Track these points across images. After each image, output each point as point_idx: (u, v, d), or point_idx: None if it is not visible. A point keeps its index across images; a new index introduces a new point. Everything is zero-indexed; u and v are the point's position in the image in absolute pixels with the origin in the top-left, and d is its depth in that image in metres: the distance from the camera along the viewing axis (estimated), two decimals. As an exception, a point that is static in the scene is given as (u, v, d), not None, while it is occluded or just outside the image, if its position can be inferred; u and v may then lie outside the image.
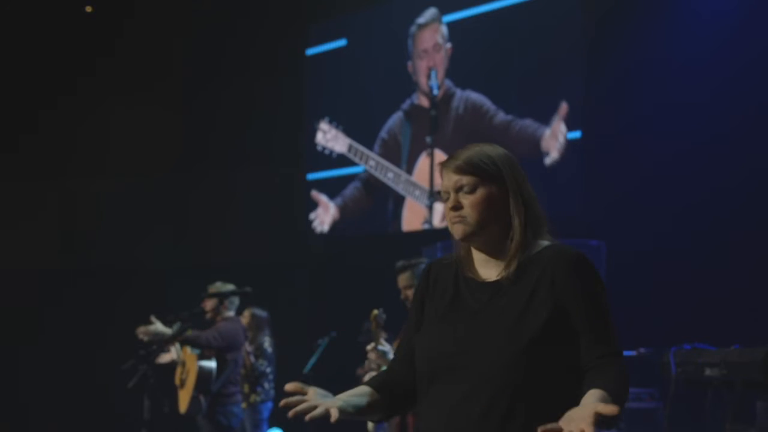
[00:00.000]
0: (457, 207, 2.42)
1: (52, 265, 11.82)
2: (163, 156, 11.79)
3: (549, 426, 2.09)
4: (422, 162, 9.90)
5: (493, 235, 2.41)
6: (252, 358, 8.13)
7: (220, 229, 11.58)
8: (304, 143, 11.24)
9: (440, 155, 9.71)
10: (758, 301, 7.12)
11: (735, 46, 7.80)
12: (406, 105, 10.23)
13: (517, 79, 9.32)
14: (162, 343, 6.61)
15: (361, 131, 10.62)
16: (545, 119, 8.86)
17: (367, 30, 10.82)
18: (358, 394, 2.44)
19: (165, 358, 7.04)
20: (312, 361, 8.42)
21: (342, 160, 10.74)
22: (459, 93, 9.70)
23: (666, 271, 7.74)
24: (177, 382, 7.20)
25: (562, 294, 2.33)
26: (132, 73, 11.70)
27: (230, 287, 7.24)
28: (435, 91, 9.82)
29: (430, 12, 10.07)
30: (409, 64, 10.22)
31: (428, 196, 9.71)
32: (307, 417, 2.24)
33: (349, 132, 10.71)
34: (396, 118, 10.31)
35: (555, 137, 8.61)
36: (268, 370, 8.25)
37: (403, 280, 5.42)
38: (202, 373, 6.92)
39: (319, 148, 10.90)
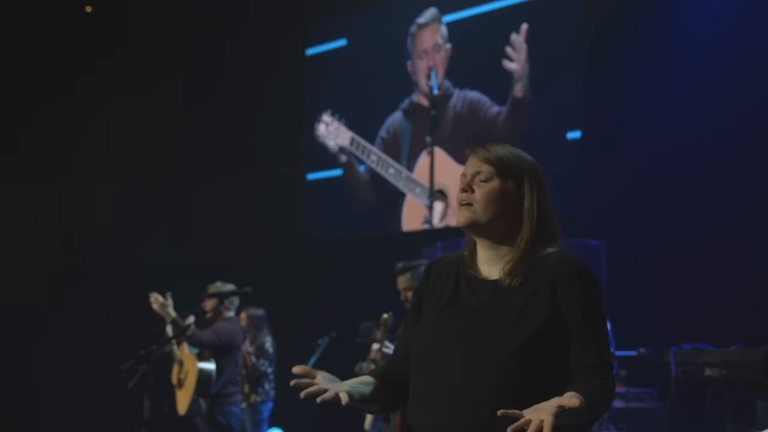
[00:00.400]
0: (467, 189, 2.43)
1: (52, 265, 11.82)
2: (163, 156, 11.79)
3: (510, 412, 2.10)
4: (422, 161, 9.90)
5: (497, 231, 2.41)
6: (253, 358, 8.13)
7: (220, 229, 11.58)
8: (304, 143, 11.24)
9: (440, 154, 9.71)
10: (758, 301, 7.11)
11: (735, 46, 7.80)
12: (405, 104, 10.23)
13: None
14: (162, 343, 6.61)
15: (361, 131, 10.62)
16: (546, 120, 8.87)
17: (367, 30, 10.82)
18: (363, 383, 2.45)
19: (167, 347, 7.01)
20: (312, 361, 8.43)
21: (342, 160, 10.74)
22: (457, 93, 9.71)
23: (666, 271, 7.74)
24: (174, 381, 7.20)
25: (561, 300, 2.33)
26: (132, 74, 11.70)
27: (230, 287, 7.24)
28: (435, 91, 9.82)
29: (430, 12, 10.07)
30: (409, 63, 10.23)
31: (428, 196, 9.71)
32: (319, 399, 2.28)
33: (350, 129, 10.71)
34: (395, 117, 10.32)
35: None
36: (269, 370, 8.25)
37: (402, 281, 5.42)
38: (202, 376, 6.92)
39: (321, 140, 10.89)
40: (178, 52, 11.58)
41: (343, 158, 10.72)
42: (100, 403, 10.83)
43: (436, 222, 9.62)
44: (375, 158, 10.38)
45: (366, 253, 9.85)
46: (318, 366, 8.41)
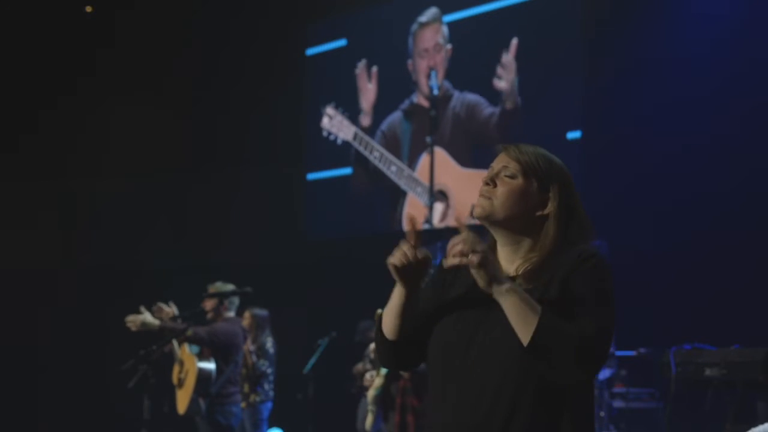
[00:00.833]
0: (489, 183, 2.41)
1: (52, 265, 11.82)
2: (164, 156, 11.79)
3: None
4: (423, 161, 9.91)
5: (514, 230, 2.39)
6: (254, 358, 8.13)
7: (220, 229, 11.58)
8: (304, 143, 11.24)
9: (441, 155, 9.71)
10: (758, 301, 7.12)
11: (734, 46, 7.80)
12: (405, 104, 10.23)
13: (517, 79, 9.32)
14: (162, 343, 6.60)
15: (361, 130, 10.62)
16: (546, 120, 8.87)
17: (367, 30, 10.82)
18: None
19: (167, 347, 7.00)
20: (312, 361, 8.43)
21: (342, 160, 10.73)
22: (457, 95, 9.71)
23: (666, 270, 7.74)
24: (175, 381, 7.19)
25: (566, 288, 2.28)
26: (132, 74, 11.70)
27: (230, 287, 7.24)
28: (435, 91, 9.82)
29: (432, 11, 10.07)
30: (409, 62, 10.22)
31: (428, 196, 9.71)
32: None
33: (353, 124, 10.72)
34: (395, 116, 10.32)
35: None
36: (269, 370, 8.25)
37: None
38: (202, 375, 6.91)
39: (324, 133, 10.89)
40: (178, 52, 11.58)
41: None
42: (100, 403, 10.83)
43: (436, 222, 9.62)
44: (377, 154, 10.38)
45: (366, 253, 9.83)
46: (318, 366, 8.43)
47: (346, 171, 10.76)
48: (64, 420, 11.17)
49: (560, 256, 2.34)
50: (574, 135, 8.58)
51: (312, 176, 11.10)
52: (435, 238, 9.11)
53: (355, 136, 10.61)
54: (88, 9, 11.99)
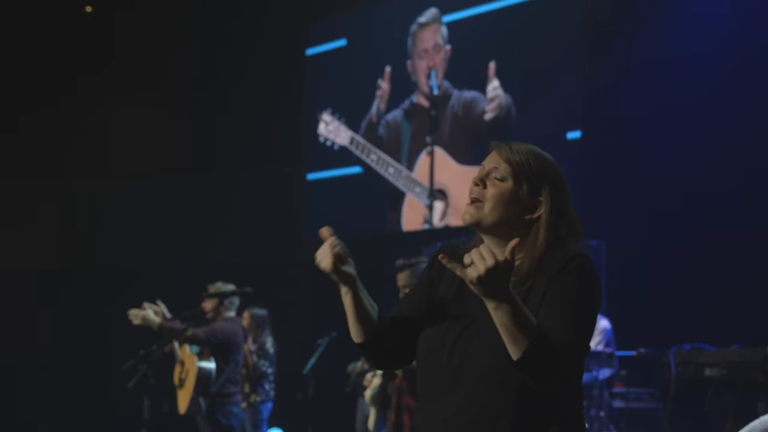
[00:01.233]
0: (479, 184, 2.37)
1: (52, 265, 11.82)
2: (164, 156, 11.80)
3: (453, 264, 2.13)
4: (422, 161, 9.91)
5: (502, 233, 2.35)
6: (254, 358, 8.13)
7: (220, 229, 11.58)
8: (304, 143, 11.24)
9: (440, 154, 9.72)
10: (758, 301, 7.12)
11: (734, 46, 7.81)
12: (405, 104, 10.24)
13: (517, 79, 9.33)
14: (162, 343, 6.60)
15: (360, 131, 10.62)
16: (546, 120, 8.87)
17: (367, 30, 10.82)
18: (371, 303, 2.41)
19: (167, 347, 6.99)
20: (312, 361, 8.42)
21: (342, 160, 10.74)
22: (456, 93, 9.72)
23: (666, 270, 7.75)
24: (176, 381, 7.19)
25: (551, 289, 2.26)
26: (132, 74, 11.71)
27: (230, 287, 7.23)
28: (435, 91, 9.83)
29: (431, 12, 10.08)
30: (409, 63, 10.23)
31: (428, 195, 9.71)
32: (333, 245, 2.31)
33: (350, 129, 10.72)
34: (397, 114, 10.32)
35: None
36: (270, 370, 8.25)
37: (402, 278, 5.42)
38: (202, 375, 6.91)
39: (321, 139, 10.89)
40: (179, 52, 11.58)
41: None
42: (100, 403, 10.83)
43: (436, 222, 9.62)
44: (375, 157, 10.39)
45: (366, 253, 9.83)
46: (318, 366, 8.43)
47: (346, 171, 10.76)
48: (64, 420, 11.17)
49: (547, 257, 2.32)
50: (574, 135, 8.58)
51: (312, 176, 11.10)
52: (435, 238, 9.12)
53: (352, 141, 10.61)
54: (88, 9, 11.99)
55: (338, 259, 2.31)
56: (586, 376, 7.08)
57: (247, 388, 8.06)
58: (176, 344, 7.06)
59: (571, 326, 2.20)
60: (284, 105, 11.24)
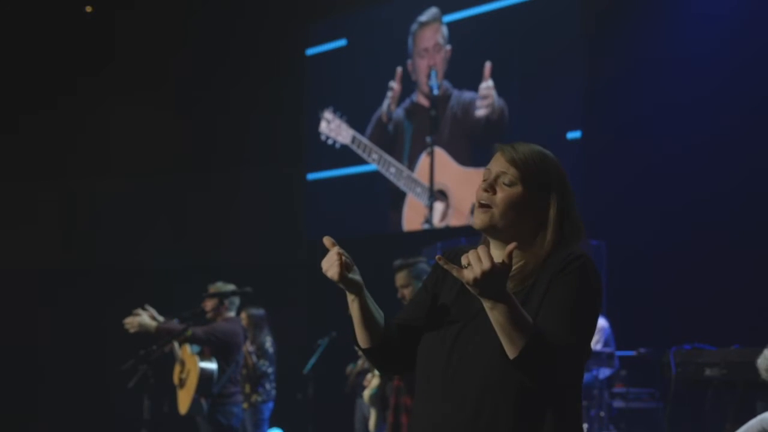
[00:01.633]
0: (488, 190, 2.36)
1: (52, 265, 11.82)
2: (164, 156, 11.80)
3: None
4: (423, 161, 9.91)
5: (513, 236, 2.34)
6: (254, 358, 8.13)
7: (220, 229, 11.58)
8: (304, 143, 11.24)
9: (441, 154, 9.72)
10: (758, 301, 7.12)
11: (734, 47, 7.81)
12: (406, 103, 10.24)
13: (517, 79, 9.33)
14: (162, 342, 6.60)
15: (361, 131, 10.62)
16: (546, 120, 8.87)
17: (367, 30, 10.82)
18: (378, 310, 2.43)
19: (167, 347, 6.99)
20: (312, 361, 8.42)
21: (341, 160, 10.73)
22: (456, 93, 9.72)
23: (666, 270, 7.75)
24: (176, 381, 7.19)
25: (552, 288, 2.27)
26: (132, 74, 11.71)
27: (230, 287, 7.23)
28: (435, 91, 9.83)
29: (432, 11, 10.08)
30: (409, 62, 10.23)
31: (428, 196, 9.71)
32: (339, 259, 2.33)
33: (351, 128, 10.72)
34: (398, 113, 10.31)
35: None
36: (270, 370, 8.25)
37: (400, 278, 5.42)
38: (204, 375, 6.90)
39: (322, 138, 10.89)
40: (179, 52, 11.58)
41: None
42: (100, 403, 10.83)
43: (437, 222, 9.62)
44: (376, 157, 10.38)
45: (366, 253, 9.83)
46: (318, 366, 8.43)
47: (346, 171, 10.76)
48: (64, 420, 11.17)
49: (551, 257, 2.34)
50: (574, 135, 8.58)
51: (312, 176, 11.10)
52: (435, 238, 9.12)
53: (354, 140, 10.61)
54: (88, 9, 11.99)
55: (345, 268, 2.34)
56: (586, 376, 7.08)
57: (247, 389, 8.06)
58: (176, 344, 7.06)
59: (570, 326, 2.21)
60: (284, 105, 11.24)
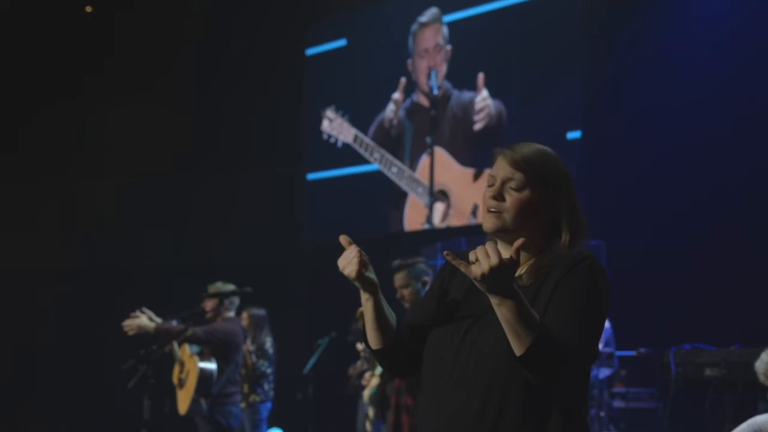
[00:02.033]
0: (498, 198, 2.37)
1: (52, 265, 11.82)
2: (164, 156, 11.79)
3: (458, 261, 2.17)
4: (424, 161, 9.91)
5: (523, 237, 2.31)
6: (254, 358, 8.13)
7: (220, 229, 11.58)
8: (304, 143, 11.24)
9: (441, 154, 9.72)
10: (758, 301, 7.12)
11: (734, 47, 7.81)
12: (407, 104, 10.24)
13: (517, 79, 9.33)
14: (162, 343, 6.60)
15: (362, 131, 10.62)
16: (546, 120, 8.87)
17: (367, 30, 10.82)
18: (390, 311, 2.43)
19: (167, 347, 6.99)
20: (312, 361, 8.43)
21: (342, 160, 10.73)
22: (456, 94, 9.72)
23: (666, 270, 7.74)
24: (175, 381, 7.19)
25: (559, 288, 2.28)
26: (132, 74, 11.70)
27: (230, 287, 7.23)
28: (435, 91, 9.83)
29: (432, 11, 10.08)
30: (409, 62, 10.23)
31: (429, 196, 9.71)
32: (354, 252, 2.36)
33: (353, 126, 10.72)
34: (400, 113, 10.31)
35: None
36: (269, 371, 8.25)
37: (399, 279, 5.41)
38: (203, 376, 6.91)
39: (324, 136, 10.89)
40: (179, 52, 11.58)
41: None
42: (101, 403, 10.83)
43: (437, 222, 9.62)
44: (378, 156, 10.38)
45: (366, 253, 9.84)
46: (317, 366, 8.43)
47: (346, 171, 10.75)
48: (64, 420, 11.17)
49: (557, 257, 2.35)
50: (574, 135, 8.58)
51: (312, 176, 11.10)
52: (435, 238, 9.12)
53: (356, 139, 10.60)
54: (88, 9, 11.99)
55: (363, 266, 2.35)
56: (586, 376, 7.06)
57: (246, 389, 8.06)
58: (175, 344, 7.06)
59: (576, 326, 2.22)
60: (284, 105, 11.24)
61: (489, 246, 2.13)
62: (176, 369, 7.19)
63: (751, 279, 7.29)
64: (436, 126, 9.79)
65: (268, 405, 8.28)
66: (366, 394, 6.44)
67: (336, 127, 10.80)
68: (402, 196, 10.10)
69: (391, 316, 2.43)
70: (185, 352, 7.09)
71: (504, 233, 2.38)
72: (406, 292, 5.36)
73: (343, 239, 2.42)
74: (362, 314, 2.44)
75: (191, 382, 6.97)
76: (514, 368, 2.21)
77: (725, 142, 7.64)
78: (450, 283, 2.48)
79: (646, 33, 8.29)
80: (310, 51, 11.25)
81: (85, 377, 11.10)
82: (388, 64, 10.46)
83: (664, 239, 7.79)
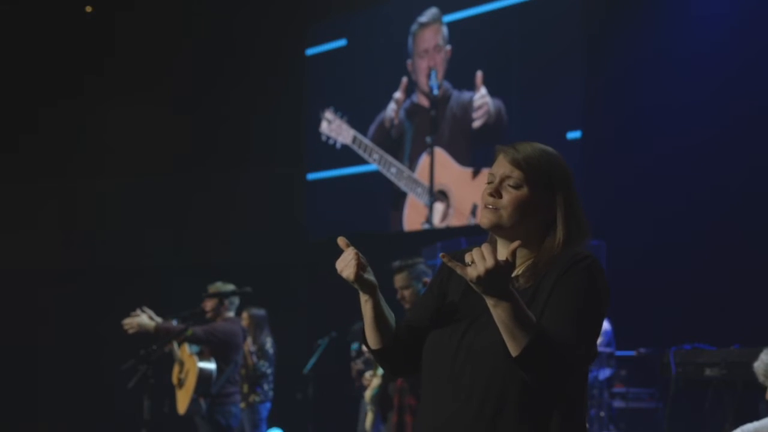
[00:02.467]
0: (495, 194, 2.37)
1: (52, 265, 11.82)
2: (164, 156, 11.79)
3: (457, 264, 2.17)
4: (423, 161, 9.91)
5: (518, 236, 2.35)
6: (254, 359, 8.13)
7: (220, 229, 11.58)
8: (304, 143, 11.24)
9: (441, 154, 9.72)
10: (758, 301, 7.12)
11: (734, 47, 7.81)
12: (406, 104, 10.24)
13: (517, 79, 9.33)
14: (162, 343, 6.60)
15: (362, 131, 10.62)
16: (546, 120, 8.87)
17: (367, 30, 10.82)
18: (389, 311, 2.43)
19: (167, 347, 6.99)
20: (312, 361, 8.43)
21: (342, 160, 10.73)
22: (456, 94, 9.72)
23: (666, 270, 7.75)
24: (175, 381, 7.19)
25: (558, 289, 2.28)
26: (132, 74, 11.70)
27: (230, 287, 7.23)
28: (435, 91, 9.83)
29: (432, 12, 10.08)
30: (409, 62, 10.23)
31: (428, 196, 9.71)
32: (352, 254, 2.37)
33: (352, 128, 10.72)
34: (400, 114, 10.31)
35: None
36: (269, 371, 8.25)
37: (399, 280, 5.41)
38: (203, 375, 6.91)
39: (323, 138, 10.89)
40: (179, 52, 11.58)
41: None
42: (100, 403, 10.83)
43: (437, 222, 9.62)
44: (377, 157, 10.38)
45: (366, 253, 9.83)
46: (318, 366, 8.43)
47: (346, 171, 10.75)
48: (64, 420, 11.17)
49: (558, 256, 2.35)
50: (574, 135, 8.58)
51: (312, 176, 11.10)
52: (435, 238, 9.12)
53: (354, 140, 10.60)
54: (88, 9, 11.99)
55: (361, 268, 2.36)
56: (586, 376, 7.06)
57: (246, 389, 8.06)
58: (175, 344, 7.06)
59: (574, 327, 2.22)
60: (284, 105, 11.24)
61: (485, 248, 2.13)
62: (176, 369, 7.19)
63: (751, 279, 7.29)
64: (436, 126, 9.79)
65: (268, 405, 8.28)
66: (368, 394, 6.43)
67: (335, 128, 10.80)
68: (401, 196, 10.10)
69: (391, 316, 2.43)
70: (185, 351, 7.09)
71: (500, 230, 2.38)
72: (406, 292, 5.36)
73: (341, 241, 2.42)
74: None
75: (190, 382, 6.97)
76: (511, 368, 2.21)
77: (725, 142, 7.64)
78: (449, 283, 2.48)
79: (646, 33, 8.29)
80: (310, 51, 11.25)
81: (85, 377, 11.10)
82: (388, 65, 10.46)
83: (664, 239, 7.79)
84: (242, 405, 7.83)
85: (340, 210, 10.69)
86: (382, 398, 5.91)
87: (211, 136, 11.70)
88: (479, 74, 9.40)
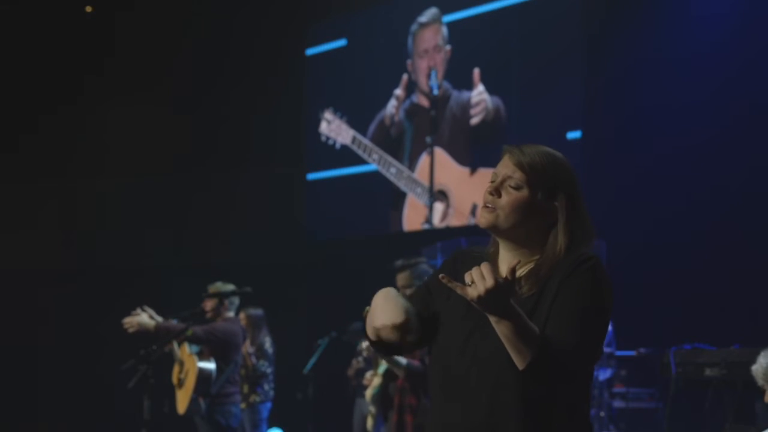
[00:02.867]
0: (494, 193, 2.37)
1: (52, 265, 11.82)
2: (164, 156, 11.79)
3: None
4: (423, 161, 9.91)
5: (519, 237, 2.37)
6: (253, 359, 8.13)
7: (220, 229, 11.58)
8: (304, 143, 11.24)
9: (441, 154, 9.72)
10: (758, 301, 7.12)
11: (734, 47, 7.81)
12: (406, 104, 10.24)
13: (517, 78, 9.33)
14: (162, 342, 6.60)
15: (362, 131, 10.62)
16: (546, 120, 8.87)
17: (367, 30, 10.82)
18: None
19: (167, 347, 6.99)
20: (312, 361, 8.43)
21: (341, 160, 10.73)
22: (456, 94, 9.72)
23: (666, 270, 7.74)
24: (174, 381, 7.20)
25: (562, 292, 2.28)
26: (132, 74, 11.70)
27: (230, 287, 7.23)
28: (435, 91, 9.83)
29: (432, 12, 10.08)
30: (409, 62, 10.23)
31: (428, 196, 9.71)
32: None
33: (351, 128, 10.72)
34: (400, 114, 10.31)
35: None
36: (269, 371, 8.25)
37: (401, 279, 5.42)
38: (202, 375, 6.91)
39: (323, 138, 10.89)
40: (179, 52, 11.58)
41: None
42: (100, 403, 10.83)
43: (437, 222, 9.62)
44: (376, 157, 10.38)
45: (366, 253, 9.85)
46: (317, 366, 8.43)
47: (346, 171, 10.75)
48: (64, 420, 11.17)
49: (561, 260, 2.34)
50: (574, 135, 8.58)
51: (312, 176, 11.10)
52: (435, 238, 9.11)
53: (354, 140, 10.61)
54: (88, 9, 11.99)
55: (406, 331, 2.34)
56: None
57: (246, 389, 8.06)
58: (175, 344, 7.06)
59: (579, 330, 2.23)
60: (284, 105, 11.24)
61: (484, 267, 2.13)
62: (176, 369, 7.19)
63: (751, 279, 7.29)
64: (436, 126, 9.79)
65: (268, 405, 8.28)
66: (368, 393, 6.43)
67: (334, 128, 10.80)
68: (401, 196, 10.10)
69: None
70: (185, 351, 7.09)
71: (497, 231, 2.38)
72: (408, 292, 5.37)
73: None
74: (368, 313, 2.44)
75: (190, 382, 6.97)
76: (517, 371, 2.22)
77: (725, 142, 7.63)
78: (456, 277, 2.48)
79: (646, 33, 8.29)
80: (310, 51, 11.25)
81: (85, 377, 11.10)
82: (388, 65, 10.46)
83: (664, 239, 7.79)
84: (243, 405, 7.83)
85: (340, 210, 10.70)
86: (382, 398, 5.91)
87: (211, 136, 11.69)
88: (476, 71, 9.40)
